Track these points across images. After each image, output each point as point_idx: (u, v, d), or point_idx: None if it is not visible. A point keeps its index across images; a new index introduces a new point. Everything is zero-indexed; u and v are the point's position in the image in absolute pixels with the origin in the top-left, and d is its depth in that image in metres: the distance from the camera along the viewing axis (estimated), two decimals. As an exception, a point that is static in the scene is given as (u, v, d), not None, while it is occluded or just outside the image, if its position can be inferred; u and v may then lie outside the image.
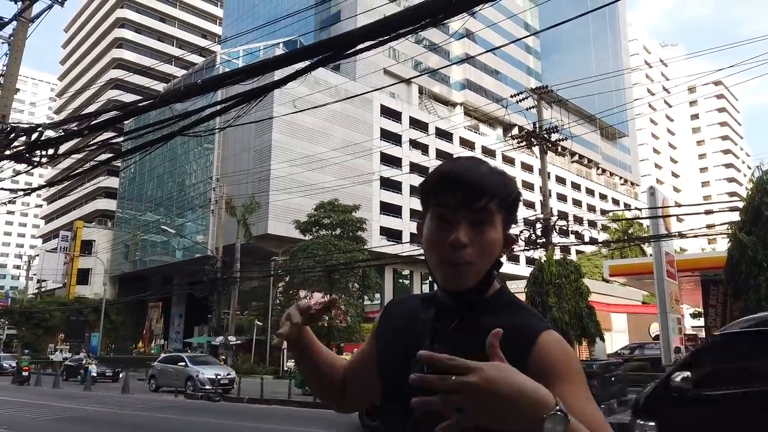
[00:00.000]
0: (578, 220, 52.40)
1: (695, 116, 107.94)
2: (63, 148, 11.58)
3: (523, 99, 19.60)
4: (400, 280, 50.68)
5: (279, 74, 6.49)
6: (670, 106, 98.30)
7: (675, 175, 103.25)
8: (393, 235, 47.76)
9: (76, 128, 9.60)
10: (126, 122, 40.75)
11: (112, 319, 46.87)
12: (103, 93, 64.16)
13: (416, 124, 52.11)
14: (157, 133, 7.99)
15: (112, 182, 62.93)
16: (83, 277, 55.58)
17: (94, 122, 9.03)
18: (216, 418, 13.85)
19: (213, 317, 32.15)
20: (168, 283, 51.71)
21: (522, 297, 20.28)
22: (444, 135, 54.01)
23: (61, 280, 56.00)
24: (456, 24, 46.39)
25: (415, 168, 50.39)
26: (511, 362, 0.83)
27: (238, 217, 33.71)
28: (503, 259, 1.09)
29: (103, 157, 11.39)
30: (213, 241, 37.57)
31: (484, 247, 1.01)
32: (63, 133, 9.64)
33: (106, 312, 43.31)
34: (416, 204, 50.96)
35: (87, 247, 56.69)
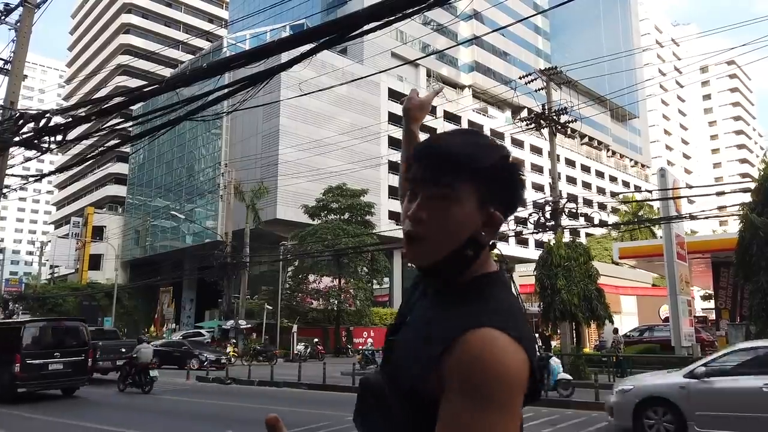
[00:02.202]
0: (588, 203, 52.10)
1: (707, 96, 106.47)
2: (73, 135, 11.64)
3: (532, 80, 19.39)
4: (409, 265, 50.72)
5: (285, 57, 6.46)
6: (682, 87, 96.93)
7: (686, 157, 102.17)
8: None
9: (84, 114, 9.63)
10: (134, 108, 40.82)
11: (124, 304, 47.42)
12: (111, 79, 64.19)
13: (424, 107, 51.77)
14: (164, 118, 8.00)
15: (122, 168, 63.31)
16: (95, 262, 56.16)
17: (101, 107, 9.06)
18: (240, 401, 14.04)
19: (223, 301, 32.45)
20: (179, 268, 52.18)
21: (531, 280, 20.32)
22: (452, 118, 53.66)
23: (73, 265, 56.63)
24: (463, 4, 45.81)
25: (423, 151, 50.15)
26: (420, 363, 0.87)
27: (246, 202, 33.84)
28: (491, 241, 0.98)
29: (113, 142, 11.43)
30: (222, 227, 37.78)
31: (442, 223, 0.93)
32: (71, 119, 9.67)
33: (118, 297, 43.78)
34: (424, 188, 50.89)
35: (98, 233, 57.20)
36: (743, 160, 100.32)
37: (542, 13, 66.59)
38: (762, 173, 17.00)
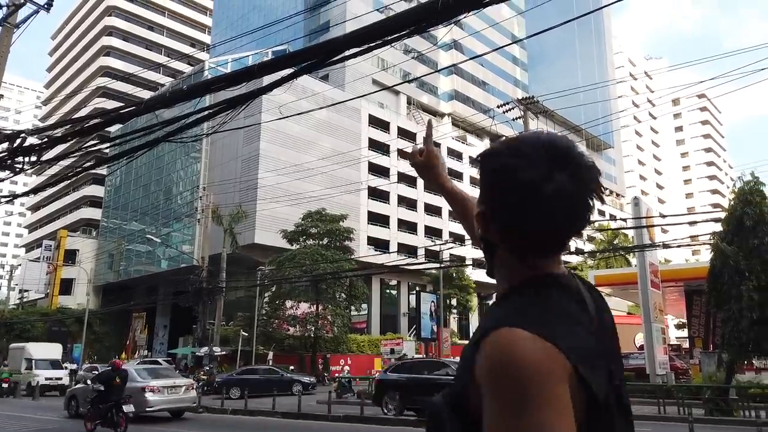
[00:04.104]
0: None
1: (679, 128, 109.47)
2: (49, 156, 11.45)
3: (510, 109, 19.75)
4: (388, 291, 50.59)
5: (267, 81, 6.49)
6: (655, 118, 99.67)
7: (660, 187, 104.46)
8: (380, 245, 47.72)
9: (60, 135, 9.51)
10: (112, 130, 40.46)
11: (95, 330, 46.19)
12: (90, 101, 63.69)
13: (404, 134, 52.31)
14: (142, 139, 7.94)
15: (98, 191, 62.35)
16: (66, 287, 54.79)
17: (78, 128, 8.95)
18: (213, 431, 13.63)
19: (198, 328, 31.82)
20: (153, 293, 51.17)
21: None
22: (432, 145, 54.15)
23: (43, 290, 55.14)
24: (444, 34, 46.74)
25: (402, 178, 50.49)
26: (460, 373, 0.87)
27: (224, 226, 33.52)
28: (506, 246, 0.98)
29: (89, 164, 11.27)
30: (199, 251, 37.28)
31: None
32: (47, 140, 9.54)
33: (89, 322, 42.65)
34: (403, 214, 51.07)
35: (70, 256, 55.95)
36: (714, 191, 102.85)
37: (518, 42, 68.23)
38: (732, 204, 17.42)
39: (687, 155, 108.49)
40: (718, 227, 18.85)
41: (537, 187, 0.90)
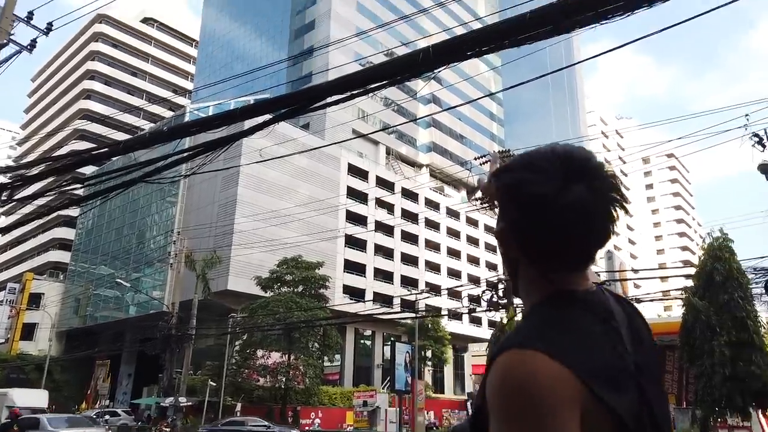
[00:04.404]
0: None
1: (650, 186, 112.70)
2: (22, 195, 11.22)
3: (487, 162, 20.18)
4: (362, 341, 49.79)
5: (248, 125, 6.55)
6: (626, 176, 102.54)
7: (631, 242, 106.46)
8: (356, 294, 47.27)
9: (32, 174, 9.37)
10: (86, 172, 40.04)
11: (55, 378, 44.16)
12: (67, 143, 63.26)
13: (383, 183, 52.82)
14: (119, 180, 7.86)
15: (68, 233, 61.06)
16: (28, 332, 52.68)
17: (53, 167, 8.84)
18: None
19: (164, 377, 30.68)
20: (118, 340, 49.50)
21: (483, 360, 20.13)
22: (409, 195, 54.76)
23: (3, 335, 52.90)
24: (422, 87, 48.07)
25: (380, 227, 50.61)
26: (480, 390, 0.87)
27: (197, 271, 32.91)
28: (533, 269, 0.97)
29: (62, 204, 11.07)
30: (169, 297, 36.43)
31: None
32: (19, 179, 9.39)
33: (49, 369, 40.87)
34: (380, 263, 50.92)
35: (35, 300, 54.09)
36: (684, 248, 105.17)
37: (493, 96, 70.34)
38: (702, 259, 17.79)
39: (657, 212, 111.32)
40: (689, 283, 19.17)
41: (553, 200, 0.89)
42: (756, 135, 16.36)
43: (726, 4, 5.08)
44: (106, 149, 7.35)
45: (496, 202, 0.99)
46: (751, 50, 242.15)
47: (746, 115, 15.93)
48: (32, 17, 11.50)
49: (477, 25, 6.00)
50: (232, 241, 40.58)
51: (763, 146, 16.41)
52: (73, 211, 55.46)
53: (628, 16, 4.86)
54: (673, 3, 4.86)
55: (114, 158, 39.76)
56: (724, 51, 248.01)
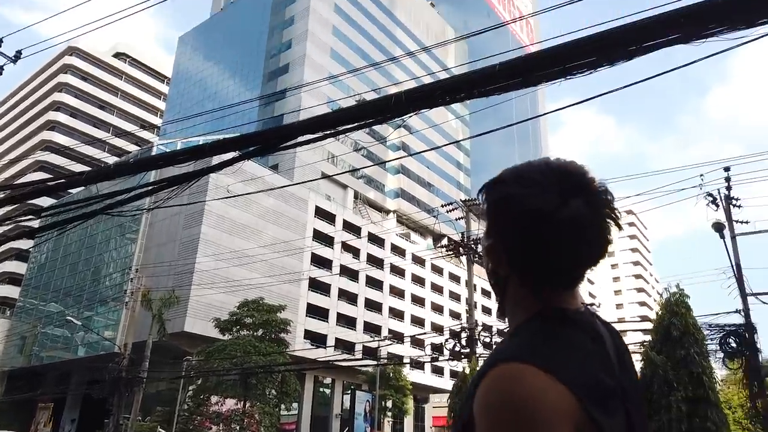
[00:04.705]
0: (502, 333, 53.12)
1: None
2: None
3: (453, 209, 20.42)
4: (321, 389, 48.53)
5: (216, 161, 6.47)
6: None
7: (592, 296, 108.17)
8: (317, 340, 46.33)
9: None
10: (41, 202, 38.88)
11: (-9, 421, 41.48)
12: (26, 174, 61.55)
13: (349, 227, 52.76)
14: (78, 212, 7.61)
15: (19, 267, 58.55)
16: (-34, 370, 49.69)
17: (8, 196, 8.52)
18: None
19: (110, 422, 29.05)
20: (64, 382, 46.99)
21: (445, 411, 19.79)
22: (376, 240, 54.77)
23: (-61, 373, 49.74)
24: (390, 132, 48.88)
25: (345, 271, 50.20)
26: (464, 406, 0.84)
27: (153, 311, 31.80)
28: (520, 272, 0.93)
29: (15, 234, 10.63)
30: (122, 337, 35.02)
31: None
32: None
33: (-14, 412, 38.40)
34: (343, 308, 50.29)
35: (-24, 336, 51.26)
36: (642, 303, 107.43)
37: (459, 144, 71.95)
38: (659, 314, 18.13)
39: (617, 267, 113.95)
40: (647, 337, 19.45)
41: (549, 215, 0.85)
42: (710, 195, 17.09)
43: (681, 67, 5.36)
44: (67, 179, 7.15)
45: (484, 216, 0.97)
46: (705, 115, 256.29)
47: (701, 175, 16.66)
48: (1, 44, 11.34)
49: (446, 76, 6.16)
50: (192, 281, 39.59)
51: (717, 206, 17.12)
52: (25, 244, 53.43)
53: (591, 73, 5.07)
54: (634, 65, 5.10)
55: (73, 191, 38.82)
56: (680, 114, 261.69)
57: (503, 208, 0.92)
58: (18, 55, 11.53)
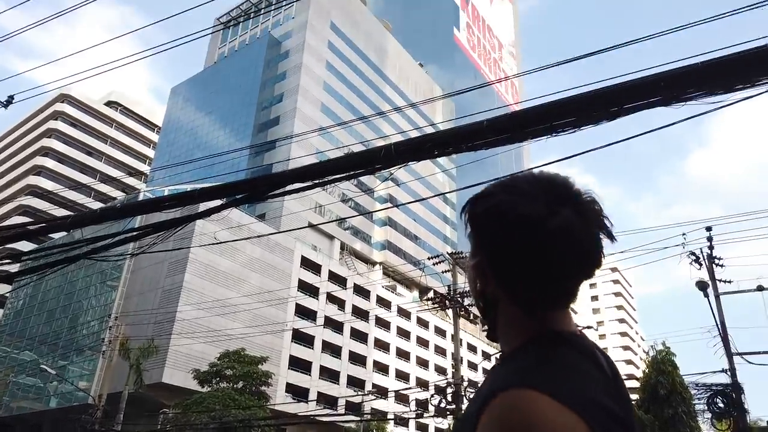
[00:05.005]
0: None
1: (595, 298, 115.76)
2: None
3: (439, 262, 20.41)
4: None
5: (203, 208, 6.47)
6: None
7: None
8: (299, 393, 45.09)
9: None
10: (21, 247, 38.32)
11: (-49, 477, 39.30)
12: (9, 218, 60.83)
13: (335, 278, 52.36)
14: (60, 256, 7.49)
15: (-6, 313, 57.01)
16: (-71, 421, 47.38)
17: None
18: None
19: (80, 478, 27.72)
20: (33, 434, 44.90)
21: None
22: (361, 292, 54.29)
23: None
24: (378, 185, 49.39)
25: (329, 323, 49.49)
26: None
27: (131, 361, 30.87)
28: (511, 293, 0.88)
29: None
30: (97, 387, 33.80)
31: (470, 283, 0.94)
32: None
33: (-54, 466, 36.40)
34: (327, 361, 49.26)
35: (-57, 385, 49.18)
36: (629, 361, 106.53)
37: (444, 197, 72.57)
38: (646, 372, 18.02)
39: (603, 324, 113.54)
40: (634, 396, 19.25)
41: (540, 223, 0.81)
42: (693, 254, 17.30)
43: (660, 128, 5.53)
44: (52, 223, 7.07)
45: (469, 234, 0.91)
46: (686, 176, 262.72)
47: (683, 234, 16.93)
48: (-7, 89, 11.42)
49: (433, 131, 6.30)
50: (173, 330, 38.70)
51: (700, 264, 17.31)
52: (2, 289, 52.29)
53: (576, 131, 5.22)
54: (617, 127, 5.26)
55: (55, 236, 38.27)
56: (661, 175, 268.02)
57: (491, 218, 0.86)
58: (9, 100, 11.60)
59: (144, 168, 74.61)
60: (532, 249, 0.81)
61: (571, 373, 0.78)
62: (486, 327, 0.94)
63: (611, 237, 0.87)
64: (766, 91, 4.51)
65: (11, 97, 11.72)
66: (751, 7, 5.38)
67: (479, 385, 0.88)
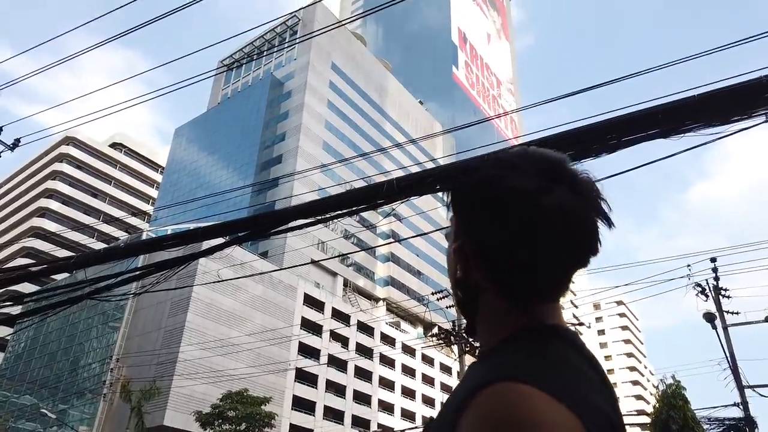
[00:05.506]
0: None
1: (602, 332, 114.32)
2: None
3: (443, 297, 20.26)
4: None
5: (206, 246, 6.48)
6: (576, 319, 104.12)
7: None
8: (303, 435, 44.18)
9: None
10: (22, 289, 38.17)
11: None
12: (12, 260, 60.84)
13: (338, 315, 51.92)
14: (62, 297, 7.48)
15: (-5, 356, 56.42)
16: (-75, 469, 46.31)
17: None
18: None
19: None
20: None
21: None
22: (365, 329, 53.74)
23: None
24: (380, 220, 49.36)
25: (333, 361, 48.84)
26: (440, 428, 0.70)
27: (132, 403, 30.41)
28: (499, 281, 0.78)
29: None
30: (97, 432, 33.19)
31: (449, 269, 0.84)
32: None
33: None
34: (331, 401, 48.40)
35: (-59, 431, 48.29)
36: (638, 396, 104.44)
37: (444, 230, 72.51)
38: (656, 407, 17.63)
39: (611, 358, 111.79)
40: (645, 432, 18.80)
41: (533, 199, 0.72)
42: (699, 285, 17.17)
43: (660, 160, 5.57)
44: (55, 264, 7.08)
45: (452, 216, 0.83)
46: (688, 208, 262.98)
47: (688, 265, 16.85)
48: (0, 132, 11.62)
49: (433, 166, 6.37)
50: (175, 371, 38.17)
51: (706, 296, 17.16)
52: (3, 331, 51.88)
53: (576, 164, 5.26)
54: (617, 160, 5.31)
55: (57, 277, 38.15)
56: (663, 208, 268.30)
57: (477, 193, 0.77)
58: (16, 143, 11.78)
59: (148, 208, 75.00)
60: (523, 228, 0.73)
61: (565, 368, 0.71)
62: (464, 322, 0.84)
63: (609, 222, 0.78)
64: (762, 122, 4.57)
65: (18, 140, 11.90)
66: (738, 43, 5.49)
67: (454, 387, 0.78)
